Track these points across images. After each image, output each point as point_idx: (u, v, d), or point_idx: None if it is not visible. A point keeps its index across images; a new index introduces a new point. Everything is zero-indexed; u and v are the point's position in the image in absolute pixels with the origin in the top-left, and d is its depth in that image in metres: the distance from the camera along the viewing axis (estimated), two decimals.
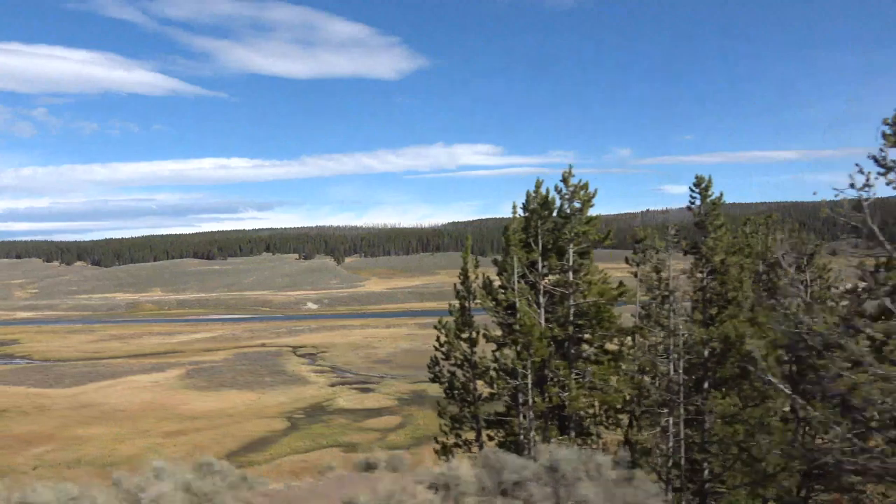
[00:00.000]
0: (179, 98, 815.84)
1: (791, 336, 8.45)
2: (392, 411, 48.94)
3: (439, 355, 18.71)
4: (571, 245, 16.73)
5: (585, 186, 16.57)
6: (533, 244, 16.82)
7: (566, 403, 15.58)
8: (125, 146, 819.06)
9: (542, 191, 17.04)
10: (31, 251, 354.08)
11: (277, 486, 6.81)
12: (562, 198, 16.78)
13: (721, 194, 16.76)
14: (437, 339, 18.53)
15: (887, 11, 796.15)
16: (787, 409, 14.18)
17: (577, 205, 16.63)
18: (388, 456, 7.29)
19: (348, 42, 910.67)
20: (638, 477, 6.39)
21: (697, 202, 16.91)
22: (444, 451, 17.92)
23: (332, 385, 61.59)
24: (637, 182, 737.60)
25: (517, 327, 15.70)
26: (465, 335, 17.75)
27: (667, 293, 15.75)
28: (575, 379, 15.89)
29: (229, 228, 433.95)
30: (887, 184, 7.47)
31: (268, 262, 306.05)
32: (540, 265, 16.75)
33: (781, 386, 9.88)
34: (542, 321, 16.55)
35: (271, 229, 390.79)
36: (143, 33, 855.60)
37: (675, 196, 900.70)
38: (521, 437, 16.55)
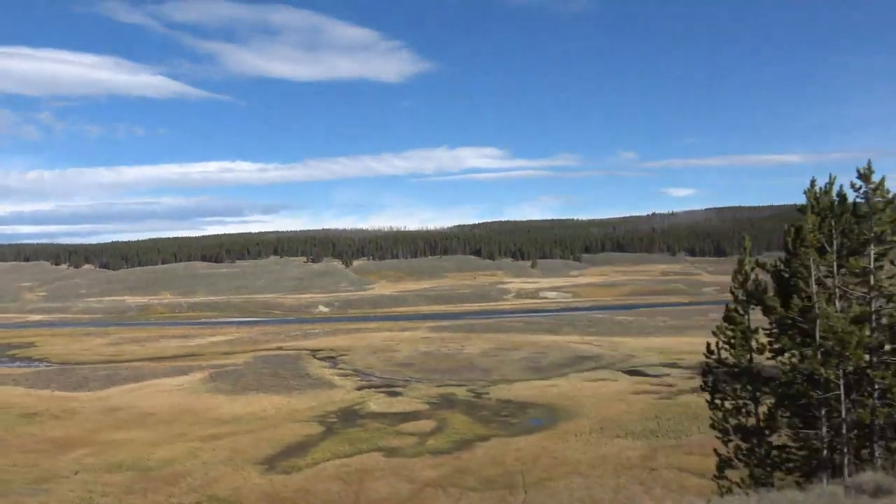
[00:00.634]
0: (185, 101, 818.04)
1: None
2: (425, 415, 48.60)
3: (711, 362, 17.72)
4: (872, 245, 15.55)
5: (881, 183, 15.61)
6: (826, 244, 15.74)
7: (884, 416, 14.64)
8: (130, 149, 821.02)
9: (836, 187, 15.89)
10: (39, 254, 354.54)
11: None
12: (859, 194, 15.62)
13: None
14: (709, 346, 17.43)
15: (891, 14, 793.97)
16: None
17: (878, 201, 15.41)
18: None
19: (353, 46, 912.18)
20: None
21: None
22: (721, 468, 16.91)
23: (359, 389, 61.29)
24: (641, 185, 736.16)
25: (821, 333, 14.96)
26: (740, 341, 16.84)
27: None
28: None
29: (235, 231, 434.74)
30: None
31: (276, 265, 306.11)
32: (836, 266, 15.95)
33: None
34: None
35: (278, 232, 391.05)
36: (150, 37, 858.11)
37: (680, 199, 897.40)
38: (824, 453, 15.53)
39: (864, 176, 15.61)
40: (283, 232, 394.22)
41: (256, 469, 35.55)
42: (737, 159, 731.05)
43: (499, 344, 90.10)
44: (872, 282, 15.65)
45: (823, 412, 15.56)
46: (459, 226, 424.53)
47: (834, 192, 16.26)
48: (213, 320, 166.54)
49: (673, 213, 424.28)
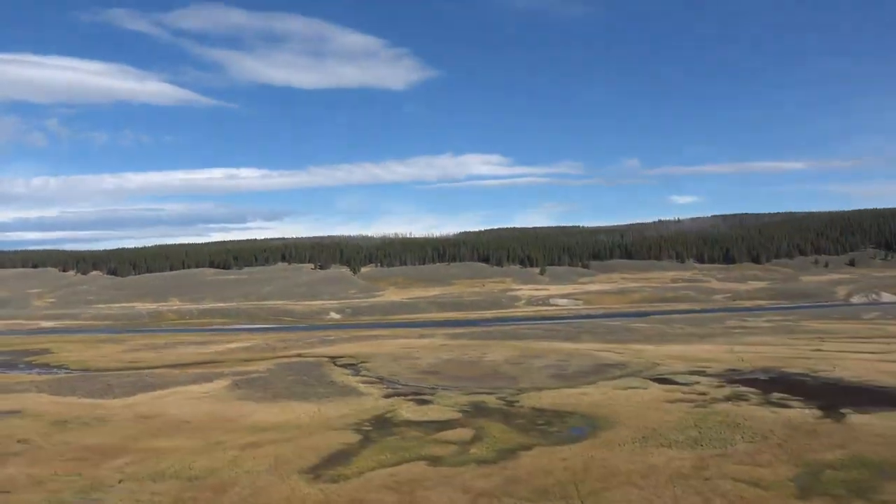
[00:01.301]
0: (190, 109, 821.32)
1: None
2: (461, 424, 48.18)
3: None
4: None
5: None
6: None
7: None
8: (136, 156, 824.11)
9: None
10: (46, 260, 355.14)
11: None
12: None
13: None
14: None
15: (892, 22, 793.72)
16: None
17: None
18: None
19: (359, 53, 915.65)
20: None
21: None
22: None
23: (388, 396, 60.89)
24: (645, 192, 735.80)
25: None
26: None
27: None
28: None
29: (242, 238, 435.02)
30: None
31: (284, 271, 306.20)
32: None
33: None
34: None
35: (285, 239, 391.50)
36: (156, 45, 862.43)
37: (684, 206, 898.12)
38: None
39: None
40: (290, 238, 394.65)
41: (302, 478, 35.17)
42: (740, 167, 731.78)
43: (520, 351, 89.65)
44: None
45: None
46: (465, 232, 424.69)
47: None
48: (226, 327, 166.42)
49: (679, 220, 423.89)
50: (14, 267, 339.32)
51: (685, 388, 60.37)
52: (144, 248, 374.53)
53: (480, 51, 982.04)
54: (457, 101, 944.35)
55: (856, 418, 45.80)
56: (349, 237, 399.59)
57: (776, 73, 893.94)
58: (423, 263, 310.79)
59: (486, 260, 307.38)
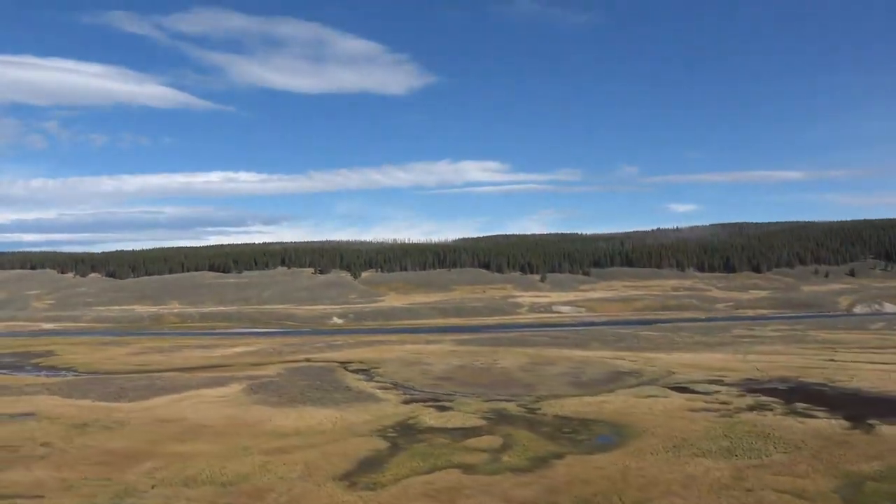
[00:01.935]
0: (190, 112, 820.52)
1: None
2: (486, 431, 47.74)
3: None
4: None
5: None
6: None
7: None
8: (134, 159, 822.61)
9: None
10: (45, 262, 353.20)
11: None
12: None
13: None
14: None
15: (891, 33, 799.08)
16: None
17: None
18: None
19: (358, 58, 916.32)
20: None
21: None
22: None
23: (406, 402, 60.39)
24: (643, 200, 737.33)
25: None
26: None
27: None
28: None
29: (240, 242, 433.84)
30: None
31: (284, 275, 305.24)
32: None
33: None
34: None
35: (284, 243, 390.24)
36: (156, 48, 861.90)
37: (683, 214, 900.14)
38: None
39: None
40: (289, 243, 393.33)
41: (338, 485, 34.68)
42: (739, 175, 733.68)
43: (531, 358, 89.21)
44: None
45: None
46: (464, 238, 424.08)
47: None
48: (229, 331, 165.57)
49: (678, 229, 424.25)
50: (12, 268, 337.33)
51: (706, 398, 60.03)
52: (143, 251, 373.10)
53: (480, 57, 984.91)
54: (456, 107, 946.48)
55: (885, 429, 45.53)
56: (348, 242, 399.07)
57: (775, 83, 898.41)
58: (424, 269, 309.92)
59: (486, 266, 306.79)
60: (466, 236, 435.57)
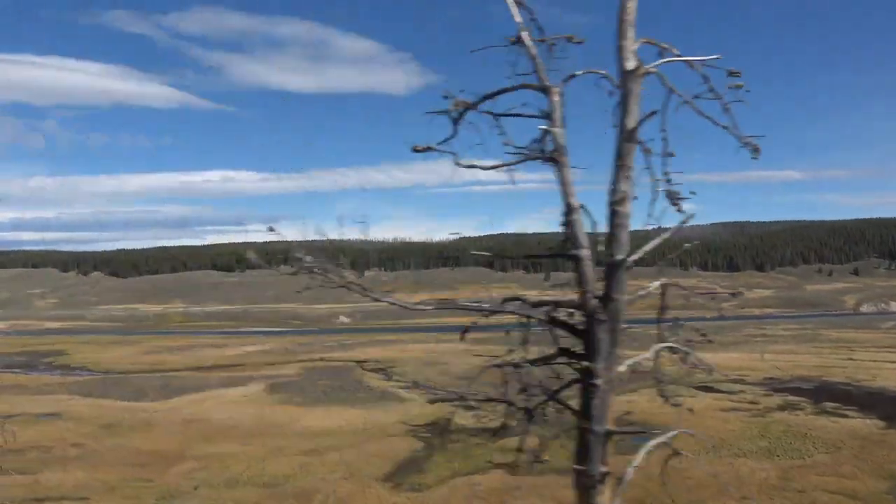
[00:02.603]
0: (189, 111, 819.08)
1: None
2: (521, 431, 47.30)
3: None
4: None
5: None
6: None
7: None
8: (134, 158, 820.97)
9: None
10: (46, 261, 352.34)
11: None
12: None
13: None
14: None
15: (891, 32, 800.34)
16: None
17: None
18: None
19: (359, 58, 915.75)
20: None
21: None
22: None
23: (432, 402, 59.62)
24: (640, 199, 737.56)
25: None
26: None
27: None
28: None
29: (240, 241, 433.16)
30: None
31: (286, 274, 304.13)
32: None
33: None
34: None
35: (287, 242, 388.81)
36: (156, 47, 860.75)
37: (678, 213, 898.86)
38: None
39: None
40: (291, 241, 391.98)
41: (383, 486, 34.34)
42: (737, 175, 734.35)
43: None
44: None
45: None
46: (466, 237, 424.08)
47: None
48: (236, 330, 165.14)
49: (679, 228, 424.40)
50: (14, 267, 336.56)
51: (732, 397, 59.72)
52: (145, 250, 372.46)
53: (481, 57, 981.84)
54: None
55: None
56: (350, 241, 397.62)
57: (771, 83, 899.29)
58: (427, 268, 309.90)
59: (489, 265, 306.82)
60: (467, 235, 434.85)
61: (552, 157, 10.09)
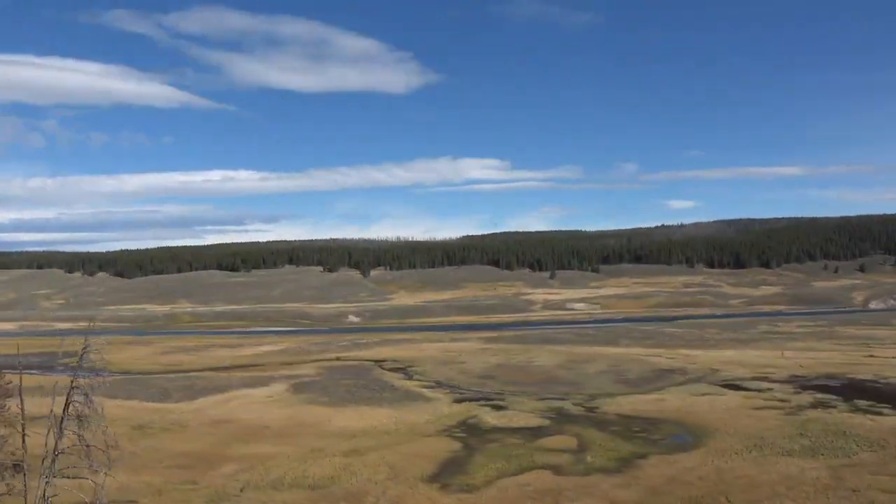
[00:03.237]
0: (190, 111, 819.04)
1: None
2: (554, 431, 47.10)
3: None
4: None
5: None
6: None
7: None
8: (134, 158, 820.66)
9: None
10: (51, 261, 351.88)
11: None
12: None
13: None
14: None
15: (888, 31, 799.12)
16: None
17: None
18: None
19: (360, 57, 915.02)
20: None
21: None
22: None
23: (458, 402, 59.71)
24: (643, 197, 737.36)
25: None
26: None
27: None
28: None
29: (242, 241, 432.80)
30: None
31: (293, 274, 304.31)
32: None
33: None
34: None
35: (291, 241, 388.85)
36: (156, 47, 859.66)
37: (683, 210, 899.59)
38: None
39: None
40: (295, 241, 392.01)
41: (431, 487, 34.00)
42: (738, 171, 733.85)
43: (567, 356, 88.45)
44: None
45: None
46: (471, 236, 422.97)
47: None
48: (247, 330, 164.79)
49: (682, 225, 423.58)
50: (19, 268, 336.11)
51: (762, 395, 59.36)
52: (150, 250, 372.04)
53: (481, 56, 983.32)
54: (456, 105, 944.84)
55: None
56: (354, 240, 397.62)
57: (773, 79, 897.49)
58: (433, 267, 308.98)
59: (495, 264, 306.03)
60: (467, 234, 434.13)
61: None
